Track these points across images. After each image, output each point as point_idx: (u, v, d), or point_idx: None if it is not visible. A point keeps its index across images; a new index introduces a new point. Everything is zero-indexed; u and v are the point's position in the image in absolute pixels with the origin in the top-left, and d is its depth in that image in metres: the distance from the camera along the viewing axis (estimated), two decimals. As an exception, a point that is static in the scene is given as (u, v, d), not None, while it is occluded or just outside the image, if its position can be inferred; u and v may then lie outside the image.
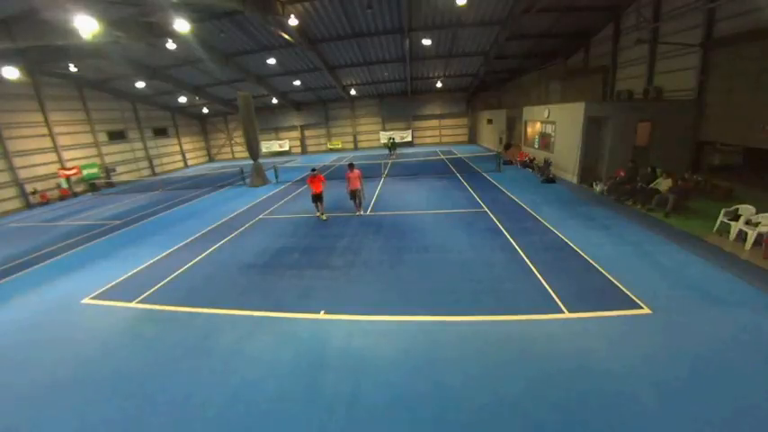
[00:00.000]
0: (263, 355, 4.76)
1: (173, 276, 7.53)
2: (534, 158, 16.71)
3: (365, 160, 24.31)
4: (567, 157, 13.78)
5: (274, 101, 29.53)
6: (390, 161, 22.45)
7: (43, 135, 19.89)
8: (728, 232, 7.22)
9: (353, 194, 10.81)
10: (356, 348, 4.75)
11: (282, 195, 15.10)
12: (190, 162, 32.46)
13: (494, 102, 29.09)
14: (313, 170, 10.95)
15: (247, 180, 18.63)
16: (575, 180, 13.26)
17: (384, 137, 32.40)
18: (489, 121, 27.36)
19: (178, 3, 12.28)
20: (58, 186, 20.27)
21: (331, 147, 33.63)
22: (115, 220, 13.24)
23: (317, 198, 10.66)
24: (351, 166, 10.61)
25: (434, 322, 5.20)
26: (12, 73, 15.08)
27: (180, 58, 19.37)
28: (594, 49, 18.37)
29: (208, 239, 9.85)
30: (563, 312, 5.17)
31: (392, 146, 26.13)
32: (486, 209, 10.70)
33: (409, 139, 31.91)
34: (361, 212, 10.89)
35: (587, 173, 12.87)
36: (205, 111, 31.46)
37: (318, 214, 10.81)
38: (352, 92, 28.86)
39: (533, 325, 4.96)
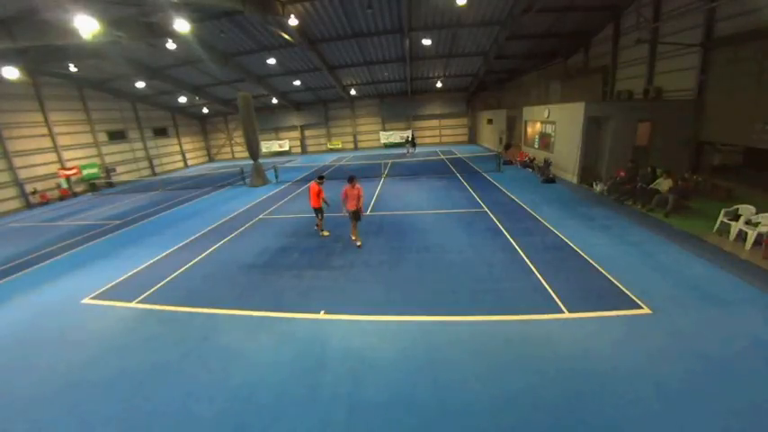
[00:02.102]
0: (263, 355, 4.76)
1: (173, 276, 7.53)
2: (534, 158, 16.72)
3: (365, 160, 24.36)
4: (567, 157, 13.78)
5: (274, 101, 29.53)
6: (406, 158, 23.50)
7: (43, 135, 19.91)
8: (728, 232, 7.22)
9: (353, 216, 8.26)
10: (356, 348, 4.75)
11: (282, 195, 15.10)
12: (190, 162, 32.46)
13: (494, 102, 29.09)
14: (320, 177, 9.16)
15: (247, 180, 18.63)
16: (575, 180, 13.26)
17: (384, 137, 32.52)
18: (489, 121, 27.37)
19: (178, 3, 12.28)
20: (58, 186, 20.28)
21: (331, 147, 33.64)
22: (115, 220, 13.24)
23: (318, 211, 9.17)
24: (352, 180, 8.11)
25: (434, 322, 5.20)
26: (12, 73, 15.09)
27: (180, 58, 19.38)
28: (594, 49, 18.35)
29: (208, 239, 9.85)
30: (563, 312, 5.17)
31: (412, 143, 27.68)
32: (486, 209, 10.70)
33: (409, 138, 31.90)
34: (360, 243, 8.36)
35: (587, 173, 12.87)
36: (205, 111, 31.46)
37: (320, 230, 9.39)
38: (352, 92, 28.87)
39: (533, 325, 4.95)
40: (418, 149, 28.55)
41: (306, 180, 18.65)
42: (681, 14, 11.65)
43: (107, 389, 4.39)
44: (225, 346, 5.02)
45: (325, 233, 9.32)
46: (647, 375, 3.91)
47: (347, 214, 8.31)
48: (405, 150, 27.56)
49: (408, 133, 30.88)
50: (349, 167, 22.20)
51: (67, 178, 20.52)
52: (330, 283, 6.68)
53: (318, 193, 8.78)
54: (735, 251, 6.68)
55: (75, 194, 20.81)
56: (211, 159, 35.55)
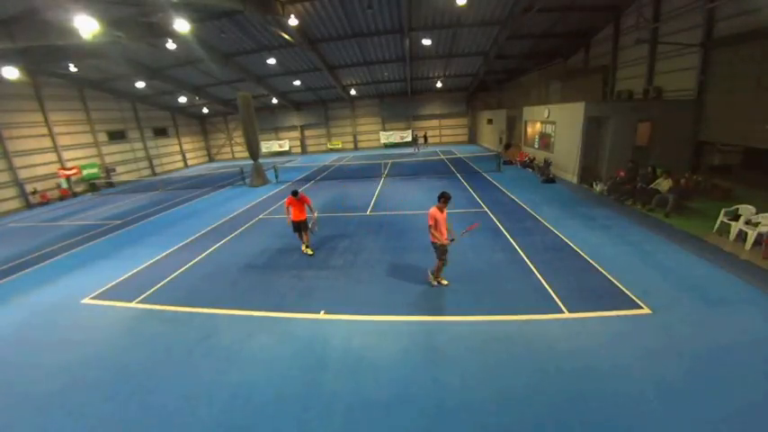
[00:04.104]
0: (263, 355, 4.76)
1: (173, 276, 7.53)
2: (534, 158, 16.71)
3: (365, 160, 24.36)
4: (566, 157, 13.78)
5: (274, 101, 29.52)
6: (414, 156, 25.02)
7: (43, 135, 19.89)
8: (728, 232, 7.22)
9: (442, 253, 5.81)
10: (356, 348, 4.75)
11: (282, 195, 15.08)
12: (190, 162, 32.44)
13: (494, 102, 29.07)
14: (295, 193, 7.84)
15: (247, 180, 18.63)
16: (575, 180, 13.26)
17: (384, 137, 32.55)
18: (489, 121, 27.36)
19: (178, 3, 12.28)
20: (58, 186, 20.27)
21: (331, 147, 33.63)
22: (115, 220, 13.24)
23: (302, 227, 8.00)
24: (446, 198, 5.61)
25: (434, 322, 5.21)
26: (12, 73, 15.08)
27: (180, 58, 19.36)
28: (594, 49, 18.36)
29: (208, 239, 9.85)
30: (563, 312, 5.17)
31: (424, 140, 29.51)
32: (487, 209, 10.70)
33: (409, 139, 31.92)
34: (444, 282, 6.21)
35: (587, 173, 12.87)
36: (205, 111, 31.44)
37: (305, 248, 8.24)
38: (352, 92, 28.85)
39: (533, 325, 4.95)
40: (417, 149, 28.69)
41: (306, 180, 18.66)
42: (681, 14, 11.66)
43: (107, 389, 4.39)
44: (225, 346, 5.02)
45: (311, 251, 8.17)
46: (646, 375, 3.91)
47: (442, 247, 5.72)
48: (413, 149, 28.60)
49: (415, 132, 31.15)
50: (349, 167, 22.21)
51: (67, 178, 20.50)
52: (330, 283, 6.68)
53: (292, 204, 7.76)
54: (735, 251, 6.68)
55: (75, 194, 20.80)
56: (211, 159, 35.53)
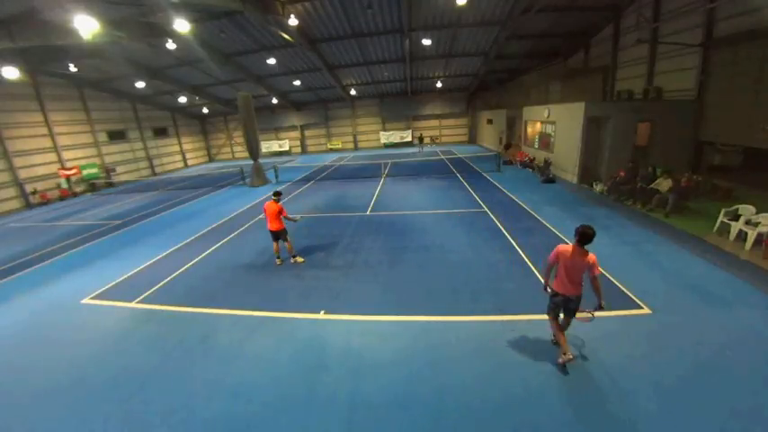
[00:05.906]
0: (263, 356, 4.76)
1: (173, 276, 7.53)
2: (534, 158, 16.71)
3: (365, 160, 24.36)
4: (566, 157, 13.78)
5: (274, 101, 29.52)
6: (418, 153, 26.65)
7: (43, 135, 19.90)
8: (728, 232, 7.22)
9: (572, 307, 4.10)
10: (356, 348, 4.75)
11: (282, 195, 15.07)
12: (190, 162, 32.45)
13: (494, 102, 29.08)
14: (277, 194, 7.66)
15: (247, 180, 18.63)
16: (575, 180, 13.25)
17: (384, 137, 32.56)
18: (489, 121, 27.35)
19: (178, 3, 12.28)
20: (58, 186, 20.28)
21: (331, 147, 33.64)
22: (115, 220, 13.24)
23: (281, 235, 7.46)
24: (585, 238, 3.85)
25: (434, 322, 5.20)
26: (12, 73, 15.07)
27: (180, 58, 19.38)
28: (594, 49, 18.35)
29: (208, 239, 9.85)
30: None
31: (431, 141, 30.74)
32: (486, 209, 10.70)
33: (409, 139, 31.94)
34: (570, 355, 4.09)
35: (587, 173, 12.86)
36: (205, 111, 31.45)
37: (293, 259, 7.68)
38: (352, 92, 28.86)
39: (533, 325, 4.94)
40: (417, 149, 28.72)
41: (306, 180, 18.67)
42: (681, 14, 11.66)
43: (108, 388, 4.39)
44: (225, 346, 5.02)
45: (300, 259, 7.72)
46: (646, 375, 3.91)
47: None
48: (417, 149, 28.83)
49: (419, 132, 31.16)
50: (349, 167, 22.21)
51: (67, 178, 20.52)
52: (330, 283, 6.68)
53: (280, 212, 7.26)
54: (735, 251, 6.68)
55: (76, 194, 20.80)
56: (211, 159, 35.53)
